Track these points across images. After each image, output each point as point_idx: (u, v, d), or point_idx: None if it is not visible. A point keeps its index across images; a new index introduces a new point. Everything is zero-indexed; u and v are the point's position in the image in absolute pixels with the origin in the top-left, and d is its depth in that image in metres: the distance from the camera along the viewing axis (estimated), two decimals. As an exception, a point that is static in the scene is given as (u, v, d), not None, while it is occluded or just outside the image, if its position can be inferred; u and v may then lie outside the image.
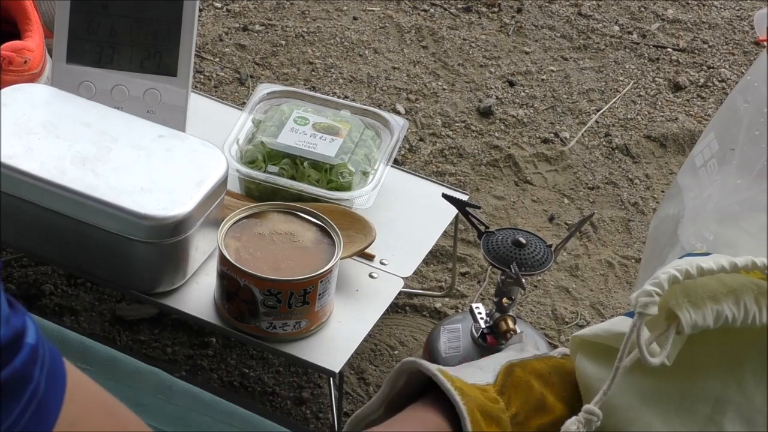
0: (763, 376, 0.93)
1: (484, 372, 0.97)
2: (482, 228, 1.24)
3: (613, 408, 0.92)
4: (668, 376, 0.92)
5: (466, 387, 0.93)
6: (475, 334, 1.30)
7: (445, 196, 1.29)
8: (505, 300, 1.26)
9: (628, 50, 1.99)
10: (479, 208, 1.30)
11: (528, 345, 1.12)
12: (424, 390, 0.95)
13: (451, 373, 0.94)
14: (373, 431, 0.90)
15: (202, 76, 1.84)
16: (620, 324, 0.92)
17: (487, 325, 1.28)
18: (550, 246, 1.24)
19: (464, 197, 1.40)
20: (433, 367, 0.93)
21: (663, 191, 1.73)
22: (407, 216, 1.38)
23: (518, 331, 1.26)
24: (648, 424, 0.93)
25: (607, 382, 0.89)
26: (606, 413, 0.90)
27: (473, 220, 1.25)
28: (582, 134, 1.82)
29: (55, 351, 0.64)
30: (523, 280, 1.20)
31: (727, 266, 0.89)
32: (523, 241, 1.22)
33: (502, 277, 1.24)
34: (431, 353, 1.32)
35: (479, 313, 1.29)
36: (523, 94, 1.88)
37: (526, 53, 1.96)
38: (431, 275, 1.56)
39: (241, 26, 1.94)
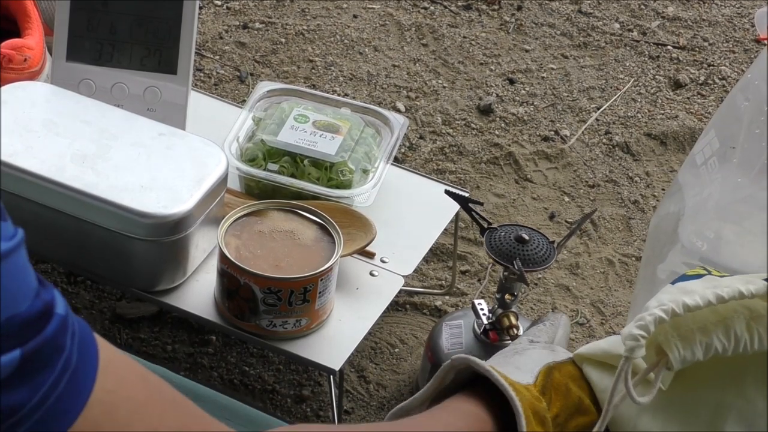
0: (764, 381, 0.93)
1: (522, 372, 0.97)
2: (485, 224, 1.24)
3: (614, 417, 0.92)
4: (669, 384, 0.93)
5: (516, 384, 0.93)
6: (478, 331, 1.30)
7: (447, 192, 1.29)
8: (507, 296, 1.26)
9: (628, 48, 1.99)
10: (482, 204, 1.31)
11: (559, 346, 1.12)
12: (469, 388, 0.95)
13: (502, 369, 0.94)
14: (416, 418, 0.89)
15: (202, 74, 1.84)
16: (617, 346, 0.92)
17: (490, 321, 1.28)
18: (553, 242, 1.24)
19: (464, 195, 1.40)
20: (485, 364, 0.92)
21: (663, 189, 1.73)
22: (407, 214, 1.38)
23: (520, 327, 1.26)
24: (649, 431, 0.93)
25: (599, 421, 0.90)
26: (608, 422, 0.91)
27: (476, 216, 1.25)
28: (582, 132, 1.82)
29: (84, 324, 0.65)
30: (527, 276, 1.20)
31: (714, 300, 0.89)
32: (526, 237, 1.22)
33: (505, 273, 1.24)
34: (433, 350, 1.32)
35: (481, 309, 1.29)
36: (523, 91, 1.88)
37: (527, 51, 1.96)
38: (431, 273, 1.56)
39: (241, 24, 1.94)
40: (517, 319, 1.26)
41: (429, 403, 0.93)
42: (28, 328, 0.60)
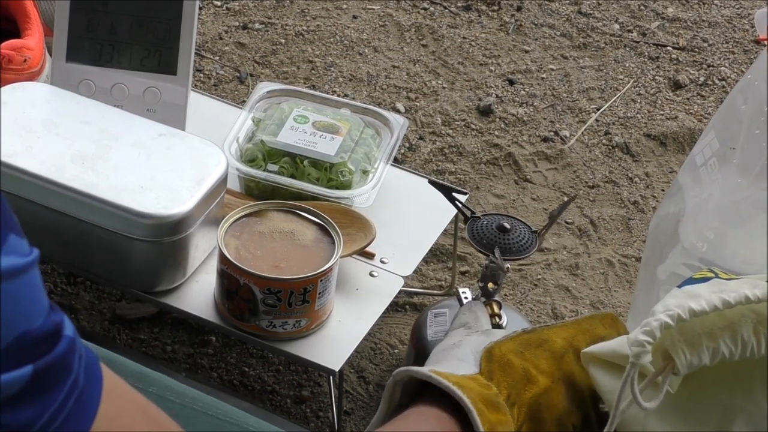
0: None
1: (465, 363, 0.98)
2: (468, 213, 1.25)
3: (622, 419, 0.92)
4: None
5: (461, 380, 0.94)
6: None
7: (431, 182, 1.29)
8: (490, 285, 1.26)
9: (628, 49, 1.99)
10: (466, 194, 1.31)
11: (485, 325, 1.13)
12: (422, 396, 0.95)
13: (443, 370, 0.95)
14: (379, 431, 0.90)
15: (201, 75, 1.83)
16: (626, 346, 0.92)
17: None
18: (535, 232, 1.25)
19: (464, 196, 1.40)
20: (425, 370, 0.93)
21: (663, 190, 1.73)
22: (407, 215, 1.38)
23: (503, 316, 1.27)
24: None
25: (607, 425, 0.91)
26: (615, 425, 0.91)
27: (459, 206, 1.26)
28: (582, 133, 1.82)
29: (90, 350, 0.66)
30: (507, 264, 1.21)
31: (720, 305, 0.89)
32: (508, 226, 1.23)
33: (487, 261, 1.24)
34: (418, 337, 1.32)
35: (465, 297, 1.30)
36: (523, 92, 1.88)
37: (526, 52, 1.96)
38: (431, 274, 1.56)
39: (241, 25, 1.94)
40: (500, 308, 1.27)
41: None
42: (40, 346, 0.61)
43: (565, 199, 1.70)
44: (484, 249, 1.22)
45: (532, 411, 0.98)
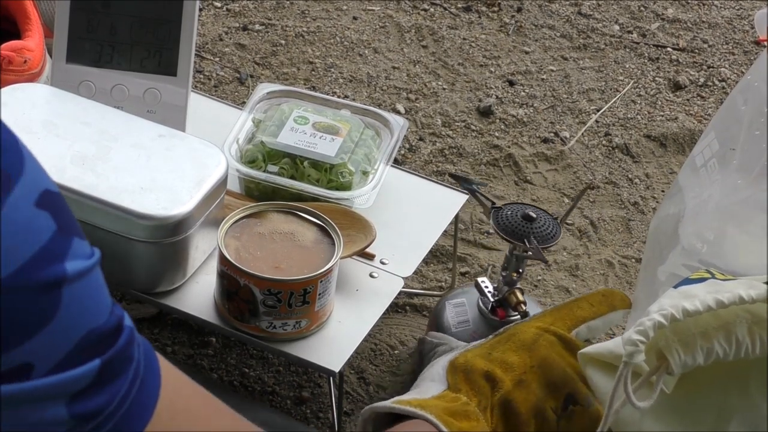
0: (767, 384, 0.93)
1: (436, 383, 1.02)
2: (489, 204, 1.26)
3: (617, 419, 0.92)
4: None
5: (424, 402, 0.97)
6: (484, 308, 1.31)
7: (451, 175, 1.30)
8: (514, 274, 1.27)
9: (628, 50, 1.99)
10: (486, 185, 1.33)
11: (452, 341, 1.18)
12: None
13: (407, 397, 0.98)
14: None
15: (202, 76, 1.84)
16: (621, 346, 0.93)
17: (496, 299, 1.29)
18: (556, 218, 1.27)
19: (464, 197, 1.40)
20: (387, 402, 0.97)
21: (663, 191, 1.73)
22: (407, 215, 1.38)
23: (527, 303, 1.29)
24: None
25: (600, 425, 0.91)
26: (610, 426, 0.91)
27: (480, 197, 1.27)
28: (582, 134, 1.82)
29: (145, 339, 0.70)
30: (537, 254, 1.23)
31: (714, 305, 0.89)
32: (533, 215, 1.25)
33: (514, 251, 1.25)
34: (439, 328, 1.32)
35: (486, 287, 1.31)
36: (523, 93, 1.88)
37: (526, 53, 1.96)
38: (431, 275, 1.56)
39: (241, 26, 1.94)
40: (523, 295, 1.28)
41: None
42: (105, 341, 0.65)
43: (566, 200, 1.70)
44: (513, 239, 1.23)
45: (503, 410, 1.00)
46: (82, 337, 0.64)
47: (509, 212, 1.25)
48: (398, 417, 0.98)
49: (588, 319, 1.10)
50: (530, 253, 1.23)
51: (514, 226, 1.24)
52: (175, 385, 0.73)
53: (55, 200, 0.66)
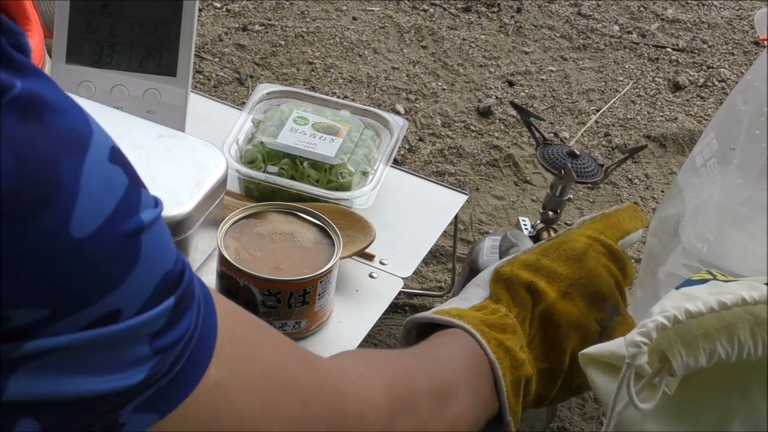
0: (769, 386, 0.93)
1: (481, 289, 1.07)
2: (541, 140, 1.34)
3: (618, 422, 0.92)
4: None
5: (463, 312, 1.02)
6: None
7: (512, 104, 1.42)
8: (551, 212, 1.33)
9: (627, 50, 1.99)
10: (543, 120, 1.37)
11: (522, 246, 1.20)
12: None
13: (447, 307, 1.04)
14: (423, 345, 1.01)
15: (201, 76, 1.83)
16: (623, 347, 0.93)
17: (531, 235, 1.34)
18: (602, 165, 1.33)
19: (464, 197, 1.40)
20: (428, 313, 1.02)
21: (663, 191, 1.73)
22: (407, 216, 1.38)
23: None
24: None
25: (603, 427, 0.91)
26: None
27: (535, 132, 1.35)
28: (582, 134, 1.82)
29: (198, 277, 0.76)
30: (575, 177, 1.29)
31: (716, 306, 0.89)
32: (578, 152, 1.32)
33: (553, 185, 1.33)
34: (473, 258, 1.37)
35: (524, 224, 1.37)
36: (522, 94, 1.88)
37: (526, 53, 1.96)
38: (431, 275, 1.56)
39: (241, 26, 1.94)
40: (556, 234, 1.32)
41: None
42: (176, 281, 0.71)
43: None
44: (554, 169, 1.31)
45: (544, 321, 1.05)
46: (161, 278, 0.70)
47: (556, 149, 1.33)
48: (438, 326, 1.03)
49: (630, 231, 1.14)
50: (564, 180, 1.30)
51: (557, 159, 1.31)
52: (230, 315, 0.78)
53: (122, 156, 0.71)
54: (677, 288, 0.94)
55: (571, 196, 1.30)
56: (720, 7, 2.10)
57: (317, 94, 1.46)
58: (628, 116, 1.86)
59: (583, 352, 0.99)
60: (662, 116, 1.87)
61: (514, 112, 1.83)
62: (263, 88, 1.43)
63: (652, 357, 0.90)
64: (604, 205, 1.70)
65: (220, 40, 1.91)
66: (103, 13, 1.36)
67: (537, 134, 1.34)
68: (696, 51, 2.00)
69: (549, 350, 1.06)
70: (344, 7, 2.01)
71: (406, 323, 1.03)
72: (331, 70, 1.87)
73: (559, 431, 1.35)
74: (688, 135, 1.83)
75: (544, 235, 1.33)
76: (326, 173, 1.33)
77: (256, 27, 1.94)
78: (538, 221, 1.34)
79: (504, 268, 1.07)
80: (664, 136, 1.83)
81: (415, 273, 1.38)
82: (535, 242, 1.33)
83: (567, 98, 1.88)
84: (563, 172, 1.29)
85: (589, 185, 1.33)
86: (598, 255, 1.10)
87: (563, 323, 1.05)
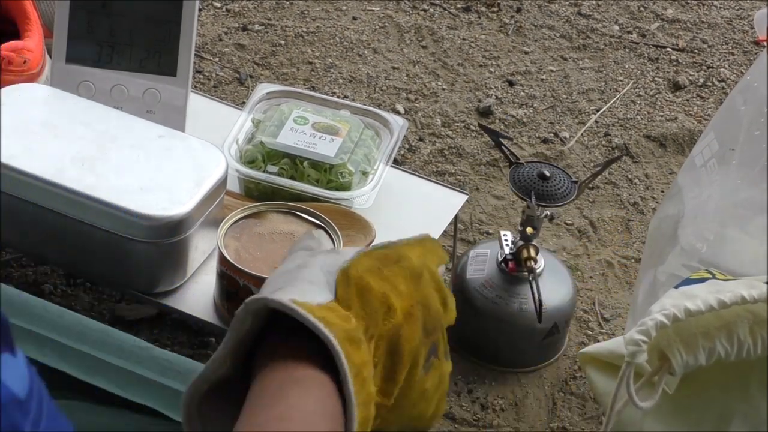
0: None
1: (318, 287, 0.85)
2: (513, 159, 1.31)
3: (618, 422, 0.92)
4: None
5: (325, 313, 0.81)
6: (499, 260, 1.36)
7: (481, 126, 1.40)
8: (529, 229, 1.31)
9: (627, 50, 1.99)
10: (512, 139, 1.36)
11: (326, 245, 0.99)
12: (274, 324, 0.84)
13: (301, 299, 0.82)
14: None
15: (201, 76, 1.84)
16: (623, 347, 0.93)
17: (511, 252, 1.34)
18: (576, 182, 1.30)
19: (464, 197, 1.40)
20: (285, 300, 0.81)
21: (663, 191, 1.73)
22: (407, 216, 1.38)
23: (540, 260, 1.31)
24: None
25: (603, 426, 0.91)
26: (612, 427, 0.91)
27: (505, 150, 1.32)
28: (581, 134, 1.82)
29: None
30: (539, 210, 1.27)
31: (716, 305, 0.89)
32: (548, 173, 1.29)
33: (526, 206, 1.30)
34: (459, 275, 1.39)
35: (505, 240, 1.36)
36: (522, 94, 1.88)
37: (526, 53, 1.96)
38: (431, 275, 1.56)
39: (241, 26, 1.94)
40: (537, 253, 1.31)
41: (232, 359, 0.83)
42: None
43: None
44: (521, 194, 1.28)
45: (390, 345, 0.85)
46: None
47: (527, 169, 1.30)
48: (274, 312, 0.83)
49: (444, 262, 0.98)
50: (531, 210, 1.27)
51: (526, 182, 1.28)
52: None
53: None
54: (676, 287, 0.94)
55: (549, 212, 1.27)
56: (720, 7, 2.10)
57: (317, 94, 1.46)
58: (628, 116, 1.86)
59: (582, 351, 0.99)
60: (662, 116, 1.87)
61: (514, 112, 1.83)
62: (263, 88, 1.43)
63: (651, 356, 0.90)
64: (604, 205, 1.70)
65: (220, 40, 1.91)
66: (103, 13, 1.36)
67: (507, 152, 1.32)
68: (696, 51, 2.00)
69: (386, 381, 0.85)
70: (344, 7, 2.01)
71: (249, 303, 0.83)
72: (331, 69, 1.87)
73: (559, 431, 1.35)
74: (688, 135, 1.83)
75: (524, 253, 1.32)
76: (326, 173, 1.33)
77: (256, 27, 1.94)
78: (518, 238, 1.33)
79: (352, 271, 0.86)
80: (664, 136, 1.83)
81: (414, 273, 1.38)
82: (513, 260, 1.33)
83: (567, 98, 1.88)
84: (531, 200, 1.27)
85: (559, 206, 1.30)
86: (429, 283, 0.90)
87: (405, 351, 0.85)
